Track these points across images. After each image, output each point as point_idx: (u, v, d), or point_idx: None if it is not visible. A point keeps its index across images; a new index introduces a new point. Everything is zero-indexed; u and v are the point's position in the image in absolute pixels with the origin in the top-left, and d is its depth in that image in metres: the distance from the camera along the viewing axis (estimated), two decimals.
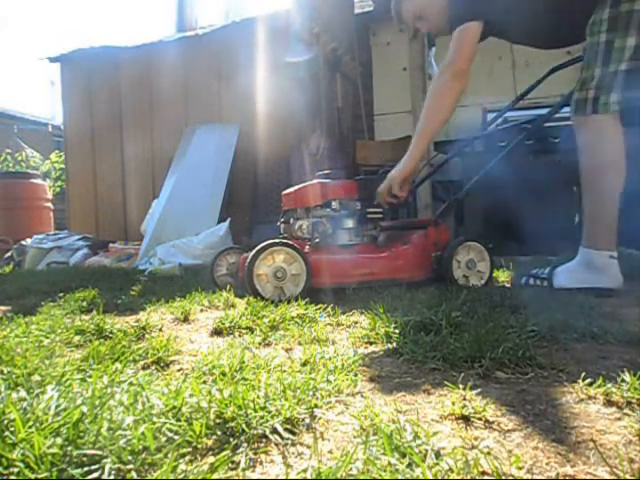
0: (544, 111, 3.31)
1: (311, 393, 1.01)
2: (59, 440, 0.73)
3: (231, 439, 0.84)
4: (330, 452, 0.81)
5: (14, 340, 1.49)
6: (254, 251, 2.31)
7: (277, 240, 2.36)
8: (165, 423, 0.83)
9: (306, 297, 2.14)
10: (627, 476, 0.70)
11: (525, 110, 3.98)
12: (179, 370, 1.30)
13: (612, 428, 0.87)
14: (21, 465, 0.68)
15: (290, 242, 2.39)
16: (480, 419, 0.92)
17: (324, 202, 2.66)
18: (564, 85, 3.06)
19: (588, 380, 1.07)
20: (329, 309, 1.97)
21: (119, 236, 5.95)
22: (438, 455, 0.75)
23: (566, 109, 2.74)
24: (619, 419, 0.91)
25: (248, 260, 2.31)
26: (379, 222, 2.81)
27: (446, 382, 1.11)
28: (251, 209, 5.45)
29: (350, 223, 2.70)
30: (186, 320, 1.98)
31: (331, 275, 2.46)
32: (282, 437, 0.84)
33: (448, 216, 2.78)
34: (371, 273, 2.55)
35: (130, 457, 0.72)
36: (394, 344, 1.45)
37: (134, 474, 0.70)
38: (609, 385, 1.03)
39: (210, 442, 0.82)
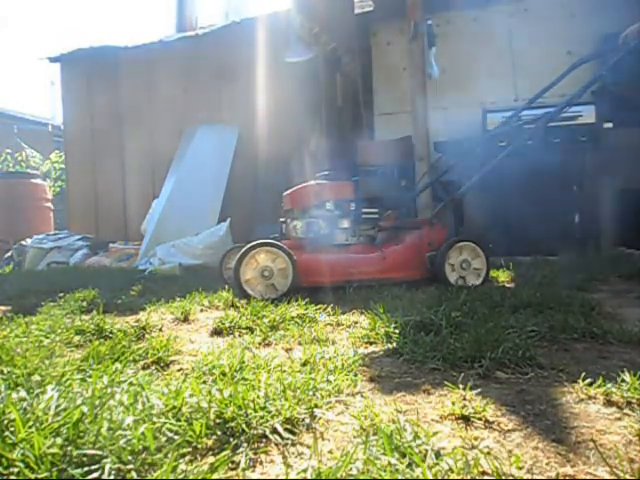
0: (539, 112, 3.31)
1: (311, 393, 1.01)
2: (59, 440, 0.73)
3: (231, 439, 0.84)
4: (330, 452, 0.81)
5: (14, 340, 1.49)
6: (235, 260, 2.35)
7: (254, 243, 2.40)
8: (165, 423, 0.83)
9: (306, 297, 2.14)
10: (627, 476, 0.70)
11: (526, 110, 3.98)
12: (179, 370, 1.30)
13: (612, 428, 0.87)
14: (21, 465, 0.68)
15: (268, 240, 2.43)
16: (480, 419, 0.92)
17: (319, 203, 2.69)
18: (566, 86, 3.06)
19: (588, 380, 1.07)
20: (329, 309, 1.98)
21: (119, 236, 5.94)
22: (438, 455, 0.75)
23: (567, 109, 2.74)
24: (619, 419, 0.91)
25: (233, 270, 2.35)
26: (376, 222, 2.83)
27: (446, 382, 1.11)
28: (251, 209, 5.45)
29: (345, 223, 2.73)
30: (186, 320, 1.98)
31: (320, 274, 2.49)
32: (282, 437, 0.84)
33: (445, 216, 2.78)
34: (360, 272, 2.58)
35: (130, 457, 0.72)
36: (394, 344, 1.45)
37: (134, 474, 0.70)
38: (609, 385, 1.03)
39: (210, 442, 0.82)
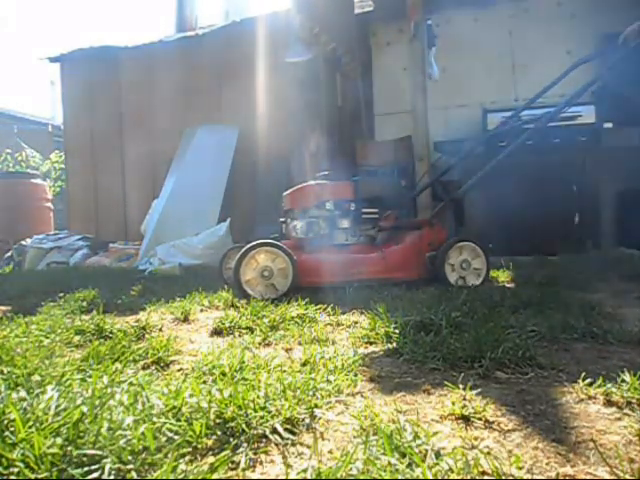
0: (539, 112, 3.31)
1: (311, 393, 1.01)
2: (59, 440, 0.73)
3: (231, 439, 0.84)
4: (330, 452, 0.81)
5: (14, 340, 1.49)
6: (235, 261, 2.35)
7: (254, 243, 2.40)
8: (165, 423, 0.83)
9: (306, 297, 2.14)
10: (627, 476, 0.70)
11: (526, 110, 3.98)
12: (179, 370, 1.30)
13: (612, 428, 0.87)
14: (21, 465, 0.68)
15: (268, 240, 2.43)
16: (480, 419, 0.92)
17: (319, 203, 2.69)
18: (566, 86, 3.06)
19: (588, 380, 1.07)
20: (329, 309, 1.98)
21: (119, 236, 5.94)
22: (438, 455, 0.75)
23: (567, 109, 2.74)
24: (619, 419, 0.91)
25: (233, 270, 2.35)
26: (376, 222, 2.83)
27: (446, 382, 1.11)
28: (251, 209, 5.45)
29: (345, 223, 2.73)
30: (186, 320, 1.98)
31: (319, 274, 2.49)
32: (282, 437, 0.84)
33: (444, 216, 2.78)
34: (360, 272, 2.58)
35: (130, 457, 0.72)
36: (394, 344, 1.45)
37: (134, 474, 0.70)
38: (609, 385, 1.03)
39: (210, 442, 0.82)
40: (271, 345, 1.54)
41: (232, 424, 0.86)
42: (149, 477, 0.70)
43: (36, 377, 1.11)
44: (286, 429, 0.86)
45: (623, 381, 1.04)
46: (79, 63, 6.39)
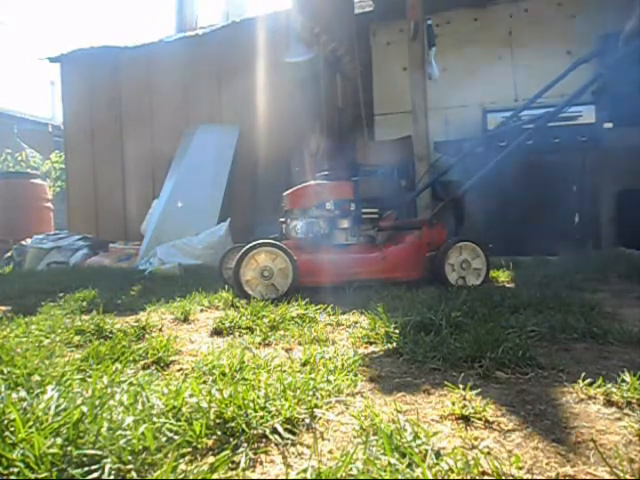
0: (539, 112, 3.30)
1: (311, 393, 1.00)
2: (59, 440, 0.73)
3: (231, 439, 0.84)
4: (330, 452, 0.81)
5: (14, 340, 1.49)
6: (235, 261, 2.35)
7: (254, 243, 2.40)
8: (165, 423, 0.83)
9: (306, 297, 2.14)
10: (627, 476, 0.70)
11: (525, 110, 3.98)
12: (179, 370, 1.30)
13: (612, 428, 0.87)
14: (21, 465, 0.68)
15: (268, 240, 2.43)
16: (480, 419, 0.92)
17: (319, 203, 2.69)
18: (566, 86, 3.06)
19: (588, 380, 1.07)
20: (329, 309, 1.98)
21: (119, 236, 5.93)
22: (438, 455, 0.75)
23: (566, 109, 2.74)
24: (619, 419, 0.91)
25: (233, 270, 2.35)
26: (376, 222, 2.83)
27: (446, 382, 1.11)
28: (251, 209, 5.45)
29: (345, 223, 2.73)
30: (186, 320, 1.98)
31: (320, 274, 2.49)
32: (282, 437, 0.84)
33: (444, 216, 2.78)
34: (360, 272, 2.58)
35: (130, 457, 0.72)
36: (394, 344, 1.45)
37: (134, 474, 0.70)
38: (609, 385, 1.03)
39: (210, 442, 0.82)
40: (271, 345, 1.54)
41: (232, 424, 0.86)
42: (149, 477, 0.70)
43: (36, 377, 1.11)
44: (286, 429, 0.86)
45: (623, 381, 1.04)
46: (79, 63, 6.38)
